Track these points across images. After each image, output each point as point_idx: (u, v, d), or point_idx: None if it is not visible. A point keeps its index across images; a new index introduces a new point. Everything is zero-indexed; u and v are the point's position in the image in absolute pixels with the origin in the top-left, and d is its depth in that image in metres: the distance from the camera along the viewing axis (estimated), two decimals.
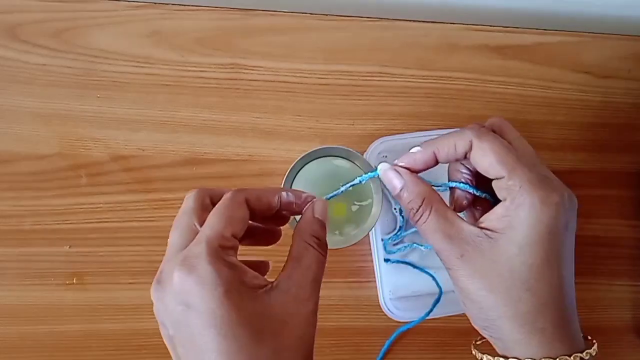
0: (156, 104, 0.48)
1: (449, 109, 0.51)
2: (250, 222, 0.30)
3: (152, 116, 0.48)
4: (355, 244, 0.39)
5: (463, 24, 0.52)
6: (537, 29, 0.52)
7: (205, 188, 0.31)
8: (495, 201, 0.31)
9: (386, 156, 0.47)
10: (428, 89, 0.51)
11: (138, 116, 0.48)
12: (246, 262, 0.33)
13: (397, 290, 0.47)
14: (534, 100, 0.52)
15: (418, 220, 0.32)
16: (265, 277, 0.29)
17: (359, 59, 0.50)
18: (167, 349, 0.28)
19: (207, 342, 0.25)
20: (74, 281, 0.47)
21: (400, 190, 0.33)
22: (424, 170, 0.34)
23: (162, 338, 0.28)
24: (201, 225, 0.28)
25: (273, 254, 0.34)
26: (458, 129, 0.32)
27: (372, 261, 0.47)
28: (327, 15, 0.50)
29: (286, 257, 0.30)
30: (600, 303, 0.51)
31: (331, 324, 0.48)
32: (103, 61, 0.48)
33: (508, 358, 0.30)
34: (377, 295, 0.47)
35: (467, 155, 0.32)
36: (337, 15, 0.50)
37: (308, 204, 0.32)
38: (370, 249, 0.47)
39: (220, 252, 0.27)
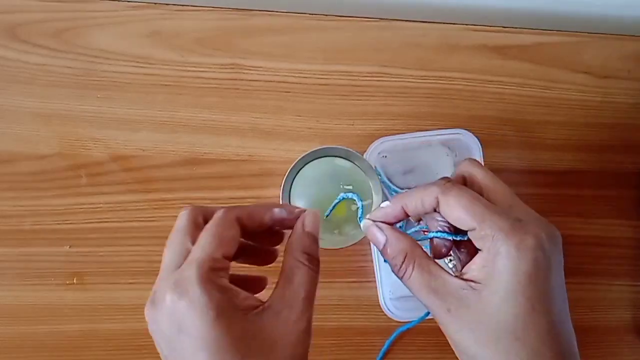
0: (156, 104, 0.48)
1: (448, 109, 0.51)
2: (245, 241, 0.30)
3: (152, 116, 0.48)
4: (355, 243, 0.39)
5: (462, 24, 0.52)
6: (537, 29, 0.52)
7: (198, 206, 0.31)
8: None
9: (386, 156, 0.47)
10: (427, 89, 0.51)
11: (138, 116, 0.48)
12: (244, 277, 0.32)
13: (397, 290, 0.47)
14: (533, 100, 0.52)
15: (402, 276, 0.31)
16: (259, 294, 0.29)
17: (358, 59, 0.50)
18: None
19: None
20: (74, 281, 0.47)
21: (383, 246, 0.32)
22: (397, 223, 0.33)
23: None
24: (194, 244, 0.28)
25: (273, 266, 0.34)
26: (426, 183, 0.32)
27: (372, 261, 0.47)
28: (327, 15, 0.50)
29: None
30: (600, 303, 0.51)
31: (331, 324, 0.48)
32: (103, 61, 0.48)
33: None
34: (377, 295, 0.46)
35: (437, 209, 0.31)
36: (336, 16, 0.50)
37: (299, 218, 0.31)
38: (370, 249, 0.47)
39: (212, 274, 0.26)
